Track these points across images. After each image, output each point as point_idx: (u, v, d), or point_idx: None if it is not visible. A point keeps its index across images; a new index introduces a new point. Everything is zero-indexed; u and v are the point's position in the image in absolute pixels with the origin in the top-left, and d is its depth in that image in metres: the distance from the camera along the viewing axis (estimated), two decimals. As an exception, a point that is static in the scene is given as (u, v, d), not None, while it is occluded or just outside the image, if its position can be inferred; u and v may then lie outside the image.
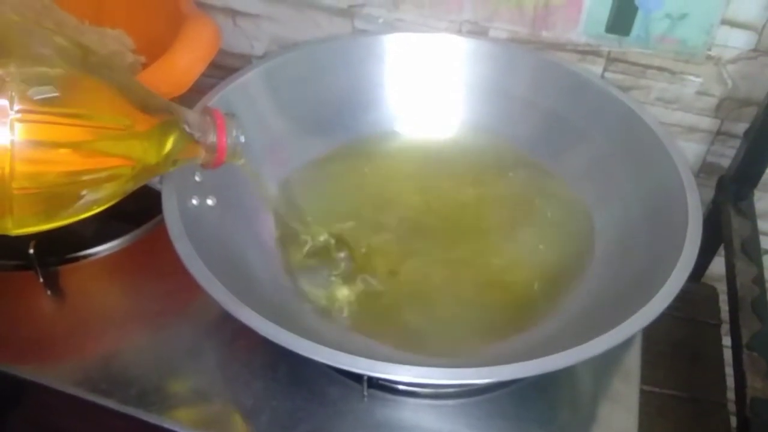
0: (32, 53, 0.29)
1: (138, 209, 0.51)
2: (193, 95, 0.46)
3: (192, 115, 0.35)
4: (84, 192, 0.30)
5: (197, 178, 0.42)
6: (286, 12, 0.61)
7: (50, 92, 0.28)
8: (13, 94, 0.27)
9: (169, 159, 0.34)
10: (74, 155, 0.29)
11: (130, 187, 0.32)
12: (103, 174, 0.31)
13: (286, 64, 0.51)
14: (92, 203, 0.31)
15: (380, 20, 0.58)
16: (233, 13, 0.63)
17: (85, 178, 0.30)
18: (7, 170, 0.27)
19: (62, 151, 0.29)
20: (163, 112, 0.33)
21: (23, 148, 0.27)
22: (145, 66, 0.57)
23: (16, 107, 0.27)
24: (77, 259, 0.48)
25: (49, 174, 0.29)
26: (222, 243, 0.41)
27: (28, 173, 0.28)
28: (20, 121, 0.27)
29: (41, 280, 0.47)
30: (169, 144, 0.33)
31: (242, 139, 0.36)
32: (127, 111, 0.31)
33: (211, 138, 0.35)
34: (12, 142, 0.27)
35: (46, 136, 0.28)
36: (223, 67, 0.55)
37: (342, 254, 0.46)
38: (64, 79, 0.29)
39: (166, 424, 0.39)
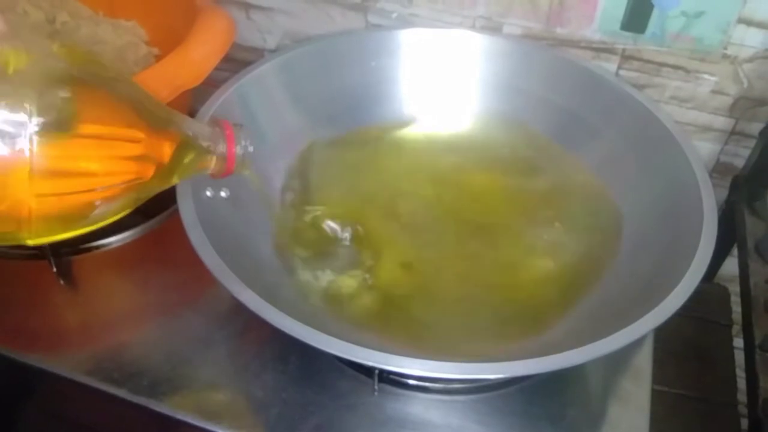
0: (48, 68, 0.30)
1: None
2: (205, 88, 0.46)
3: (203, 127, 0.36)
4: (98, 202, 0.31)
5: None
6: (300, 6, 0.61)
7: (68, 107, 0.29)
8: (32, 108, 0.27)
9: (183, 172, 0.34)
10: (91, 170, 0.30)
11: (144, 197, 0.33)
12: (119, 186, 0.31)
13: (301, 58, 0.51)
14: (106, 213, 0.32)
15: (394, 15, 0.58)
16: (246, 6, 0.63)
17: (100, 190, 0.31)
18: (26, 183, 0.28)
19: (79, 165, 0.30)
20: (177, 127, 0.34)
21: (42, 162, 0.28)
22: (158, 58, 0.57)
23: (35, 121, 0.28)
24: (91, 249, 0.49)
25: (66, 187, 0.30)
26: (235, 234, 0.41)
27: (47, 186, 0.29)
28: (39, 135, 0.28)
29: (55, 269, 0.47)
30: (186, 160, 0.34)
31: (251, 149, 0.36)
32: (142, 126, 0.32)
33: (221, 148, 0.35)
34: (31, 156, 0.28)
35: (64, 151, 0.29)
36: (235, 61, 0.55)
37: (352, 247, 0.46)
38: (81, 94, 0.30)
39: (178, 415, 0.40)
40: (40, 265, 0.47)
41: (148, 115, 0.32)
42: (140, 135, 0.31)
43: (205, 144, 0.35)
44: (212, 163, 0.35)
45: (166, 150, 0.33)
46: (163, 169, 0.33)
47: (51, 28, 0.57)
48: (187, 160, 0.34)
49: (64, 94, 0.29)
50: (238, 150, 0.36)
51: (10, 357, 0.43)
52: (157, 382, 0.41)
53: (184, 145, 0.34)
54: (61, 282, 0.47)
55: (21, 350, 0.43)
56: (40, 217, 0.29)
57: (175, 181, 0.34)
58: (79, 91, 0.30)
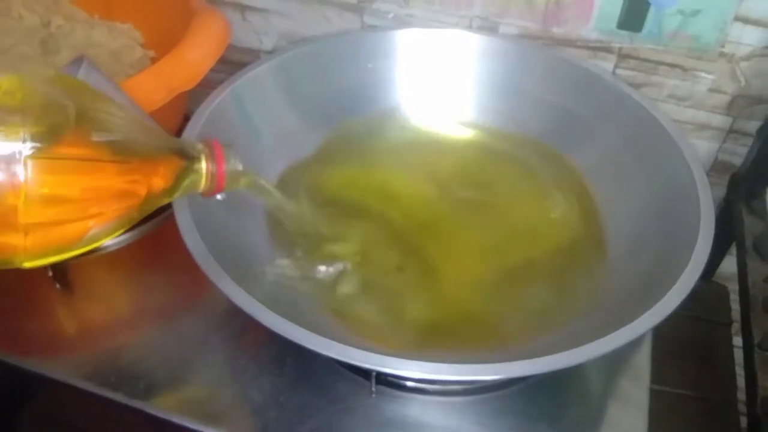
0: (43, 94, 0.30)
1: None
2: (201, 90, 0.46)
3: (191, 147, 0.36)
4: (92, 225, 0.31)
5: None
6: (296, 7, 0.61)
7: (62, 133, 0.29)
8: (26, 134, 0.28)
9: (175, 192, 0.35)
10: (84, 196, 0.31)
11: (136, 218, 0.34)
12: (112, 210, 0.32)
13: (297, 59, 0.51)
14: (99, 235, 0.32)
15: (390, 15, 0.58)
16: (242, 7, 0.62)
17: (93, 214, 0.31)
18: (21, 207, 0.28)
19: (73, 191, 0.30)
20: (168, 151, 0.35)
21: (36, 188, 0.28)
22: (154, 60, 0.57)
23: (29, 146, 0.28)
24: (87, 253, 0.48)
25: (60, 213, 0.30)
26: (231, 237, 0.41)
27: (41, 212, 0.29)
28: (33, 160, 0.28)
29: (51, 274, 0.47)
30: (177, 181, 0.35)
31: (240, 166, 0.37)
32: (135, 152, 0.32)
33: (211, 168, 0.36)
34: (26, 182, 0.28)
35: (58, 177, 0.29)
36: (231, 62, 0.55)
37: (347, 249, 0.46)
38: (75, 121, 0.30)
39: (175, 418, 0.40)
40: (36, 270, 0.47)
41: (141, 140, 0.33)
42: (133, 160, 0.32)
43: (195, 165, 0.36)
44: (203, 183, 0.36)
45: (159, 173, 0.33)
46: (155, 191, 0.33)
47: (46, 32, 0.57)
48: (178, 181, 0.35)
49: (58, 120, 0.29)
50: (227, 168, 0.36)
51: (7, 362, 0.42)
52: (153, 385, 0.41)
53: (176, 167, 0.35)
54: (58, 286, 0.47)
55: (18, 355, 0.43)
56: (35, 242, 0.30)
57: (167, 200, 0.35)
58: (73, 118, 0.30)
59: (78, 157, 0.30)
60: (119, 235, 0.48)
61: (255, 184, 0.41)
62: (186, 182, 0.35)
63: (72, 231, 0.31)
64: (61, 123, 0.30)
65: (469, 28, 0.56)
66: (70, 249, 0.32)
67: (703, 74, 0.52)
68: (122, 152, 0.32)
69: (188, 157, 0.35)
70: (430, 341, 0.41)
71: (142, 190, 0.32)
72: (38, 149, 0.28)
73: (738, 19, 0.49)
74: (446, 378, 0.32)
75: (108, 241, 0.49)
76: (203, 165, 0.36)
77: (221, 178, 0.36)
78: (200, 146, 0.36)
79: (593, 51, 0.54)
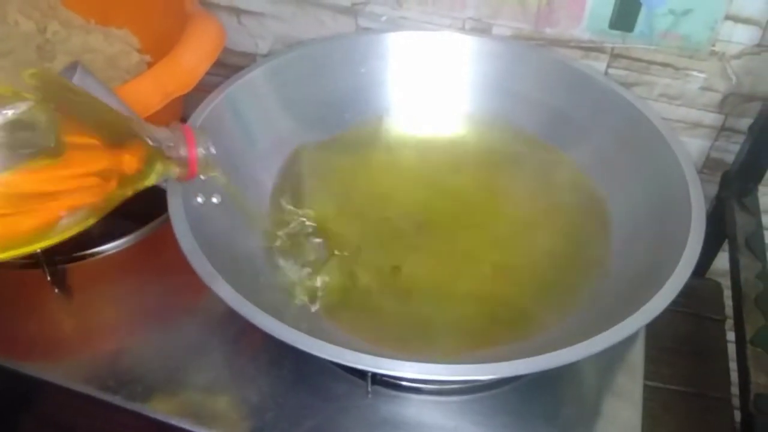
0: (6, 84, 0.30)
1: (144, 208, 0.51)
2: (197, 93, 0.47)
3: (163, 132, 0.36)
4: (63, 215, 0.31)
5: (202, 177, 0.43)
6: (290, 10, 0.61)
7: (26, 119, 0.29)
8: None
9: (147, 178, 0.35)
10: (53, 187, 0.31)
11: (110, 206, 0.33)
12: (83, 200, 0.32)
13: (291, 63, 0.51)
14: (71, 225, 0.32)
15: (383, 18, 0.58)
16: (237, 11, 0.63)
17: (64, 204, 0.31)
18: None
19: (42, 183, 0.30)
20: (138, 136, 0.34)
21: (3, 181, 0.28)
22: (150, 65, 0.57)
23: None
24: (84, 257, 0.49)
25: (29, 204, 0.30)
26: (227, 241, 0.42)
27: (9, 204, 0.29)
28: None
29: (49, 278, 0.47)
30: (148, 167, 0.35)
31: (213, 150, 0.37)
32: (103, 140, 0.32)
33: (182, 152, 0.36)
34: None
35: (27, 169, 0.29)
36: (227, 66, 0.55)
37: (341, 251, 0.46)
38: (42, 113, 0.30)
39: (173, 421, 0.40)
40: (34, 274, 0.47)
41: (109, 128, 0.33)
42: (101, 149, 0.32)
43: (166, 149, 0.35)
44: (175, 168, 0.36)
45: (128, 160, 0.33)
46: (126, 178, 0.33)
47: (42, 38, 0.57)
48: (149, 167, 0.34)
49: (24, 114, 0.29)
50: (199, 152, 0.36)
51: (6, 366, 0.43)
52: (152, 388, 0.41)
53: (146, 154, 0.34)
54: (56, 290, 0.47)
55: (16, 359, 0.43)
56: (4, 233, 0.30)
57: (140, 187, 0.35)
58: (40, 110, 0.30)
59: (43, 150, 0.30)
60: (118, 239, 0.49)
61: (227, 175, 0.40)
62: (156, 167, 0.35)
63: (42, 223, 0.31)
64: (28, 115, 0.29)
65: (462, 29, 0.56)
66: (42, 239, 0.32)
67: (694, 73, 0.53)
68: (90, 142, 0.31)
69: (158, 143, 0.35)
70: (426, 340, 0.41)
71: (113, 178, 0.32)
72: (4, 145, 0.28)
73: (729, 17, 0.49)
74: (440, 378, 0.32)
75: (105, 246, 0.49)
76: (174, 150, 0.35)
77: (193, 163, 0.36)
78: (170, 131, 0.36)
79: (586, 51, 0.55)
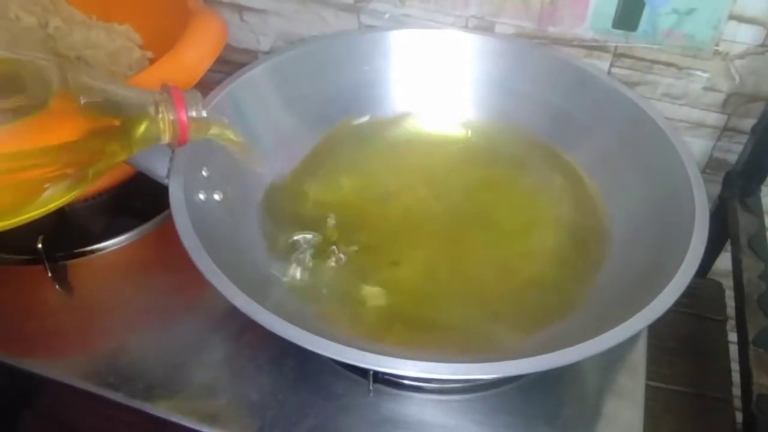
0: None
1: (145, 204, 0.52)
2: (200, 90, 0.46)
3: (150, 96, 0.35)
4: (47, 185, 0.30)
5: (204, 173, 0.43)
6: (293, 7, 0.61)
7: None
8: None
9: (137, 145, 0.34)
10: (35, 154, 0.30)
11: (97, 173, 0.32)
12: (66, 168, 0.31)
13: (293, 60, 0.51)
14: (55, 195, 0.31)
15: (386, 16, 0.58)
16: (240, 8, 0.63)
17: (46, 172, 0.30)
18: None
19: (24, 150, 0.29)
20: (123, 102, 0.33)
21: None
22: (152, 61, 0.57)
23: None
24: (85, 253, 0.49)
25: (13, 169, 0.29)
26: (229, 237, 0.41)
27: None
28: None
29: (50, 274, 0.47)
30: (136, 132, 0.33)
31: (204, 113, 0.36)
32: (87, 108, 0.31)
33: (171, 116, 0.35)
34: None
35: (10, 135, 0.29)
36: (229, 62, 0.55)
37: (343, 248, 0.46)
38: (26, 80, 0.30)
39: (173, 418, 0.40)
40: (36, 270, 0.47)
41: (95, 92, 0.32)
42: (87, 113, 0.31)
43: (153, 114, 0.34)
44: (165, 132, 0.35)
45: (112, 126, 0.32)
46: (113, 145, 0.32)
47: (44, 33, 0.57)
48: (137, 132, 0.33)
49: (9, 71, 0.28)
50: (190, 114, 0.35)
51: (7, 363, 0.43)
52: (153, 385, 0.41)
53: (132, 119, 0.33)
54: (57, 287, 0.47)
55: (17, 356, 0.43)
56: None
57: (125, 155, 0.33)
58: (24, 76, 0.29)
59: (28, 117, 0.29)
60: (119, 235, 0.49)
61: (224, 135, 0.39)
62: (142, 132, 0.33)
63: (25, 190, 0.30)
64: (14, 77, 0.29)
65: (465, 27, 0.56)
66: (25, 211, 0.31)
67: (698, 72, 0.53)
68: (73, 104, 0.30)
69: (145, 107, 0.34)
70: (425, 339, 0.41)
71: (99, 143, 0.31)
72: None
73: (732, 17, 0.49)
74: (442, 377, 0.32)
75: (107, 242, 0.49)
76: (161, 113, 0.34)
77: (183, 126, 0.35)
78: (157, 93, 0.35)
79: (589, 50, 0.54)
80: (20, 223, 0.31)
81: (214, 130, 0.37)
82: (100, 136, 0.32)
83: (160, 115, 0.34)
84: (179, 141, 0.36)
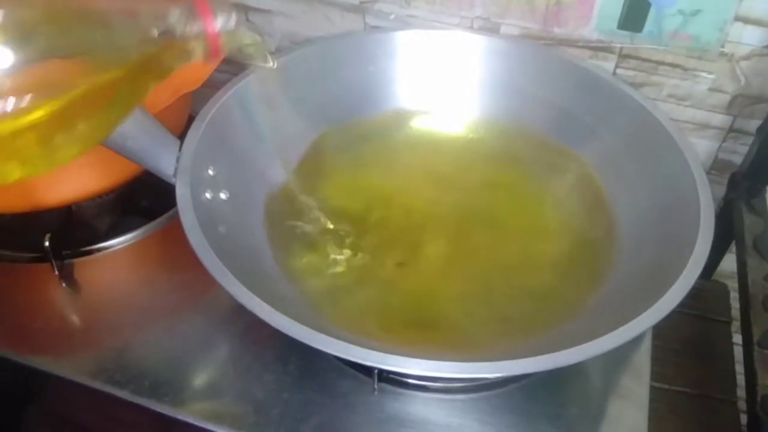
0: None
1: (152, 203, 0.52)
2: (206, 90, 0.47)
3: (174, 12, 0.33)
4: (79, 121, 0.30)
5: (210, 172, 0.43)
6: (298, 8, 0.61)
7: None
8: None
9: (167, 67, 0.33)
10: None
11: (132, 102, 0.32)
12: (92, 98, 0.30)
13: (299, 60, 0.51)
14: (91, 131, 0.31)
15: (392, 16, 0.59)
16: (245, 8, 0.63)
17: (78, 106, 0.29)
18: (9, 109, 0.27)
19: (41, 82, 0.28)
20: (144, 24, 0.32)
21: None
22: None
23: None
24: (92, 252, 0.49)
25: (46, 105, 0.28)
26: (235, 236, 0.42)
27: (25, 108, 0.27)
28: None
29: (56, 272, 0.47)
30: (164, 55, 0.32)
31: (232, 23, 0.34)
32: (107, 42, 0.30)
33: (198, 28, 0.33)
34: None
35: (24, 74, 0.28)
36: (235, 63, 0.55)
37: (348, 246, 0.46)
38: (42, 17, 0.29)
39: (179, 416, 0.40)
40: (42, 268, 0.47)
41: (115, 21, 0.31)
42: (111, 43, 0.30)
43: (179, 30, 0.33)
44: (196, 47, 0.34)
45: (139, 59, 0.31)
46: (137, 71, 0.31)
47: None
48: (165, 54, 0.32)
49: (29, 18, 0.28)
50: (219, 24, 0.34)
51: (13, 360, 0.43)
52: (159, 383, 0.41)
53: (156, 42, 0.32)
54: (63, 285, 0.47)
55: (23, 353, 0.43)
56: (26, 144, 0.28)
57: (160, 80, 0.32)
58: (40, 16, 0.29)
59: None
60: (126, 234, 0.50)
61: (257, 45, 0.37)
62: (176, 52, 0.32)
63: (59, 129, 0.29)
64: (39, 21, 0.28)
65: (471, 28, 0.56)
66: (61, 154, 0.30)
67: (703, 74, 0.53)
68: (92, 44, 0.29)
69: (169, 25, 0.32)
70: (430, 337, 0.41)
71: (122, 74, 0.30)
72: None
73: (738, 18, 0.49)
74: (447, 375, 0.32)
75: (113, 240, 0.50)
76: (191, 29, 0.33)
77: (214, 37, 0.33)
78: (179, 11, 0.33)
79: (594, 51, 0.54)
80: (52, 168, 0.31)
81: (248, 38, 0.36)
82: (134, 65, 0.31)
83: (187, 30, 0.33)
84: (214, 53, 0.35)
